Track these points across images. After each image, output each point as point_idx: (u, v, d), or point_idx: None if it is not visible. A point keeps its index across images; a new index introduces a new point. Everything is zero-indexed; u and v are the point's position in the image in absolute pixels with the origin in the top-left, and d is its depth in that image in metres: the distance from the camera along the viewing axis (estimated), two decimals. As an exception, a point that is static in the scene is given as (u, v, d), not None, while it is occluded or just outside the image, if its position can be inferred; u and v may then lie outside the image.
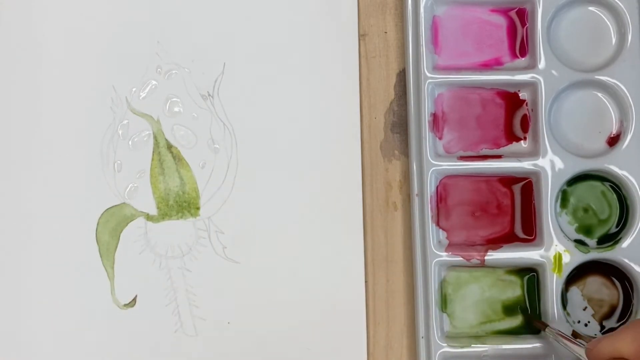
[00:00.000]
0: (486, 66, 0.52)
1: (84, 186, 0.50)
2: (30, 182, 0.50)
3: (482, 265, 0.50)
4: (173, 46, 0.51)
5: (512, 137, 0.52)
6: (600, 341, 0.43)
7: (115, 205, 0.50)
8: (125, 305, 0.50)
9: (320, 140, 0.51)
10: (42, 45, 0.51)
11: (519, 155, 0.51)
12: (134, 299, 0.50)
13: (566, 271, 0.50)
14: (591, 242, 0.51)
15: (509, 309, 0.51)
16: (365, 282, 0.51)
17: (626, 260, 0.50)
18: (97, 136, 0.51)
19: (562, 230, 0.50)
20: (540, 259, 0.50)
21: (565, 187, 0.51)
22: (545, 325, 0.49)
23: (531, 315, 0.50)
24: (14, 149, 0.50)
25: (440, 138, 0.52)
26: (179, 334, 0.50)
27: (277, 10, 0.52)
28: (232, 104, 0.51)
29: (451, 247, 0.50)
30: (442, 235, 0.51)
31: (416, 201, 0.50)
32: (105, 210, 0.50)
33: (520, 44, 0.52)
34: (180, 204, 0.50)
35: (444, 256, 0.50)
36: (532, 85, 0.51)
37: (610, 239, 0.51)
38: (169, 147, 0.51)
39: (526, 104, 0.51)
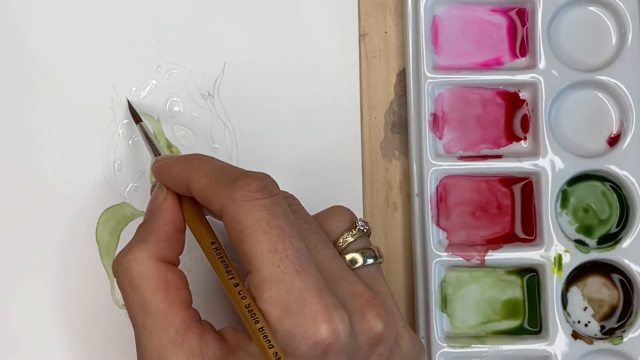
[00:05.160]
0: (486, 66, 0.52)
1: (83, 186, 0.50)
2: (30, 181, 0.50)
3: (482, 265, 0.50)
4: (173, 45, 0.51)
5: (512, 137, 0.52)
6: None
7: (115, 205, 0.50)
8: (125, 305, 0.50)
9: (320, 140, 0.51)
10: (41, 45, 0.51)
11: (519, 155, 0.51)
12: (134, 299, 0.50)
13: (566, 271, 0.50)
14: (591, 242, 0.51)
15: (509, 309, 0.51)
16: (366, 282, 0.51)
17: (626, 261, 0.50)
18: (97, 136, 0.51)
19: (562, 230, 0.50)
20: (541, 259, 0.50)
21: (565, 187, 0.51)
22: None
23: None
24: (13, 149, 0.50)
25: (440, 138, 0.52)
26: (178, 334, 0.50)
27: (277, 10, 0.52)
28: (232, 103, 0.51)
29: (451, 247, 0.50)
30: (442, 235, 0.51)
31: (416, 201, 0.50)
32: (105, 210, 0.50)
33: (520, 44, 0.52)
34: (180, 204, 0.50)
35: (444, 256, 0.50)
36: (532, 85, 0.51)
37: (610, 239, 0.51)
38: (169, 146, 0.51)
39: (526, 104, 0.51)
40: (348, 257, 0.43)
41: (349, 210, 0.45)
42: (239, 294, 0.38)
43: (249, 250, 0.38)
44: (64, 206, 0.50)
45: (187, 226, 0.43)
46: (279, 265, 0.38)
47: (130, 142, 0.51)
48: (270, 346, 0.37)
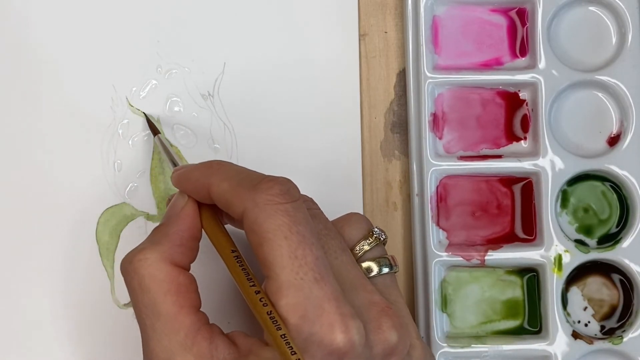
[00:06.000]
0: (486, 66, 0.52)
1: (84, 186, 0.50)
2: (30, 181, 0.50)
3: (482, 265, 0.50)
4: (173, 45, 0.51)
5: (512, 137, 0.52)
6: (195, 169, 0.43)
7: (115, 205, 0.50)
8: (125, 304, 0.50)
9: (319, 140, 0.51)
10: (41, 45, 0.51)
11: (519, 155, 0.51)
12: (134, 299, 0.50)
13: (566, 271, 0.50)
14: (591, 242, 0.51)
15: (509, 309, 0.51)
16: (366, 282, 0.51)
17: (626, 261, 0.50)
18: (97, 136, 0.51)
19: (562, 230, 0.50)
20: (541, 259, 0.50)
21: (565, 187, 0.51)
22: None
23: None
24: (13, 149, 0.50)
25: (440, 138, 0.52)
26: (178, 334, 0.50)
27: (277, 10, 0.52)
28: (232, 103, 0.51)
29: (451, 247, 0.50)
30: (442, 235, 0.51)
31: (416, 201, 0.50)
32: (105, 210, 0.50)
33: (520, 44, 0.52)
34: (180, 204, 0.50)
35: (444, 256, 0.50)
36: (532, 85, 0.51)
37: (610, 239, 0.51)
38: (170, 146, 0.51)
39: (526, 104, 0.51)
40: (364, 265, 0.43)
41: (366, 217, 0.45)
42: (260, 301, 0.38)
43: (268, 255, 0.38)
44: (64, 206, 0.50)
45: (202, 235, 0.42)
46: (298, 272, 0.38)
47: (130, 142, 0.51)
48: (292, 353, 0.37)
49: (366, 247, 0.44)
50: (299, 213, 0.39)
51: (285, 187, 0.39)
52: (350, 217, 0.45)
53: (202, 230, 0.43)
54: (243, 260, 0.40)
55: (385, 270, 0.43)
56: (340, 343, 0.38)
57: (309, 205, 0.43)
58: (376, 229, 0.44)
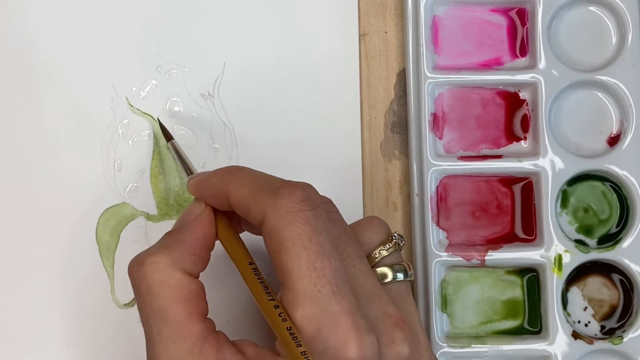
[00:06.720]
0: (486, 66, 0.52)
1: (84, 186, 0.50)
2: (30, 181, 0.50)
3: (482, 265, 0.50)
4: (173, 46, 0.51)
5: (512, 137, 0.52)
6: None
7: (116, 205, 0.50)
8: (125, 305, 0.50)
9: (320, 140, 0.51)
10: (42, 45, 0.51)
11: (519, 155, 0.51)
12: (134, 299, 0.50)
13: (566, 271, 0.50)
14: (591, 242, 0.51)
15: (509, 309, 0.51)
16: (366, 282, 0.51)
17: (626, 261, 0.50)
18: (97, 135, 0.51)
19: (562, 230, 0.50)
20: (541, 259, 0.50)
21: (565, 187, 0.51)
22: None
23: None
24: (14, 149, 0.50)
25: (440, 138, 0.52)
26: (178, 334, 0.50)
27: (277, 10, 0.52)
28: (232, 103, 0.51)
29: (451, 247, 0.50)
30: (442, 235, 0.51)
31: (416, 201, 0.50)
32: (105, 210, 0.50)
33: (520, 44, 0.52)
34: (181, 204, 0.50)
35: (444, 256, 0.50)
36: (532, 85, 0.51)
37: (610, 239, 0.51)
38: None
39: (526, 104, 0.51)
40: (379, 270, 0.43)
41: (385, 222, 0.44)
42: (279, 315, 0.38)
43: (286, 263, 0.38)
44: (64, 206, 0.50)
45: (215, 245, 0.42)
46: (316, 284, 0.38)
47: (130, 142, 0.51)
48: None
49: (384, 253, 0.43)
50: (319, 221, 0.39)
51: (306, 193, 0.39)
52: (370, 220, 0.44)
53: (216, 240, 0.42)
54: (260, 273, 0.40)
55: (400, 276, 0.43)
56: (354, 359, 0.38)
57: (328, 208, 0.42)
58: (395, 234, 0.44)
